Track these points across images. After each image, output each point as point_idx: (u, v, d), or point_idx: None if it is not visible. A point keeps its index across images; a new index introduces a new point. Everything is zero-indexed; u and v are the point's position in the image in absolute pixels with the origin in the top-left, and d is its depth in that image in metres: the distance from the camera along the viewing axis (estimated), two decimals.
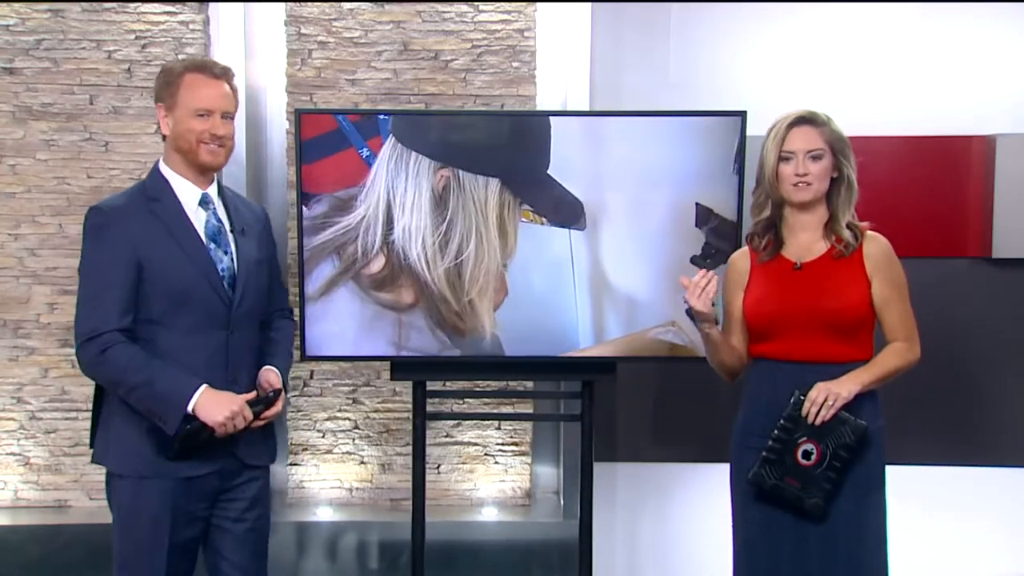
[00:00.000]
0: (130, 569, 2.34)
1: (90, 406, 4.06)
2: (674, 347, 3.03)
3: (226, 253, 2.39)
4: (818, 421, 2.36)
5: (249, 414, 2.34)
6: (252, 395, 2.39)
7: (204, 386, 2.28)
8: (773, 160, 2.45)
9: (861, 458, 2.41)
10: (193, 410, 2.25)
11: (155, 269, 2.28)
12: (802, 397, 2.38)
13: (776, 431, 2.40)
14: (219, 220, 2.41)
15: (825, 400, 2.36)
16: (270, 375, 2.47)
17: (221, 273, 2.36)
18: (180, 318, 2.31)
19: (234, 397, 2.32)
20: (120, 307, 2.25)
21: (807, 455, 2.39)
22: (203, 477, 2.34)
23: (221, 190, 2.48)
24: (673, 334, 3.02)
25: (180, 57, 3.66)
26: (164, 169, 2.38)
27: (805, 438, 2.39)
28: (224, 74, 2.39)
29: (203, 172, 2.40)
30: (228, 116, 2.39)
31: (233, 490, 2.42)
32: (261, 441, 2.47)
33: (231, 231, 2.42)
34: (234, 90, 2.42)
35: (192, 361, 2.31)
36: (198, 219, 2.37)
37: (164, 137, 2.40)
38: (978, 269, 3.53)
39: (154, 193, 2.34)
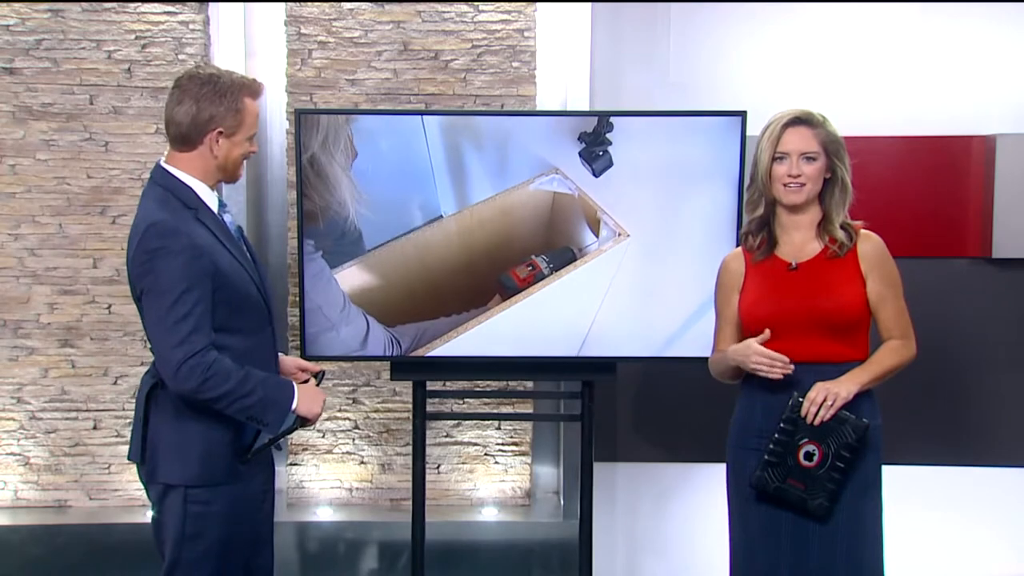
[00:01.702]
0: None
1: (90, 406, 4.02)
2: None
3: (248, 254, 2.38)
4: (817, 421, 2.36)
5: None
6: (315, 381, 2.45)
7: (295, 384, 2.33)
8: (767, 160, 2.44)
9: (860, 457, 2.40)
10: (294, 408, 2.29)
11: (222, 277, 2.23)
12: (800, 399, 2.38)
13: (776, 434, 2.40)
14: (237, 223, 2.40)
15: (824, 400, 2.35)
16: (300, 361, 2.55)
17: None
18: (240, 321, 2.28)
19: (318, 388, 2.39)
20: (209, 321, 2.19)
21: (809, 456, 2.38)
22: (258, 476, 2.37)
23: None
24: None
25: (180, 57, 3.66)
26: (183, 176, 2.27)
27: (806, 439, 2.38)
28: None
29: (227, 183, 2.39)
30: None
31: (272, 486, 2.46)
32: None
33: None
34: None
35: (254, 361, 2.28)
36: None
37: (182, 149, 2.26)
38: (978, 269, 3.53)
39: (189, 202, 2.25)
